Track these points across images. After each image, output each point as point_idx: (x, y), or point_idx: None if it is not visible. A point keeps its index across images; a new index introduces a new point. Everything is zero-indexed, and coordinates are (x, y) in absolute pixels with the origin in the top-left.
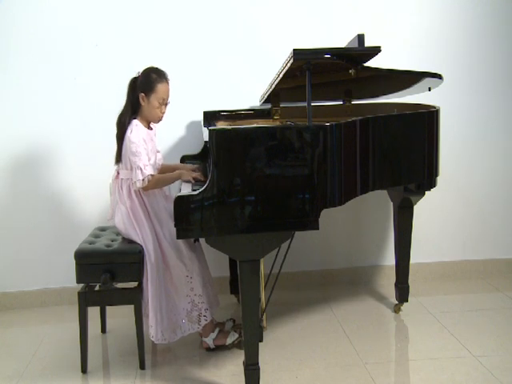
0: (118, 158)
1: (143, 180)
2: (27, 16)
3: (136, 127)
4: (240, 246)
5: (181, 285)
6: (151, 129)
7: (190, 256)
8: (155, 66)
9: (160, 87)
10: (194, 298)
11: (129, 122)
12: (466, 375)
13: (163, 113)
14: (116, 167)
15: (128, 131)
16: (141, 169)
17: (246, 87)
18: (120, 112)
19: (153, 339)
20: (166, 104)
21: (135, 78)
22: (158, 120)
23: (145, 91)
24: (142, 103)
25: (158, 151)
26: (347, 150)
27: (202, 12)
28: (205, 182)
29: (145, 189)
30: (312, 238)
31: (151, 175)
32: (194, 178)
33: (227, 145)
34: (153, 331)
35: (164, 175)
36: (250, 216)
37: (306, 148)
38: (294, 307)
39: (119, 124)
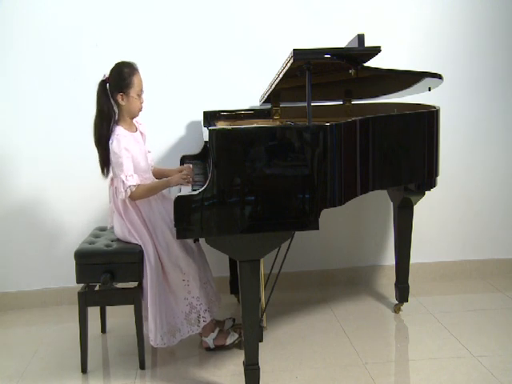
0: (102, 167)
1: (125, 191)
2: (27, 16)
3: (117, 137)
4: (240, 246)
5: (178, 288)
6: (136, 130)
7: (186, 259)
8: (121, 60)
9: (135, 79)
10: (191, 300)
11: (110, 130)
12: (466, 375)
13: (142, 102)
14: (111, 174)
15: (110, 141)
16: (123, 181)
17: (245, 87)
18: (94, 121)
19: (152, 343)
20: (142, 93)
21: (103, 81)
22: (139, 111)
23: (122, 89)
24: (122, 102)
25: (149, 151)
26: (347, 150)
27: (201, 12)
28: (198, 181)
29: (132, 198)
30: (312, 238)
31: (134, 186)
32: (183, 179)
33: (227, 145)
34: (152, 335)
35: (151, 184)
36: (250, 216)
37: (306, 148)
38: (294, 307)
39: (96, 131)
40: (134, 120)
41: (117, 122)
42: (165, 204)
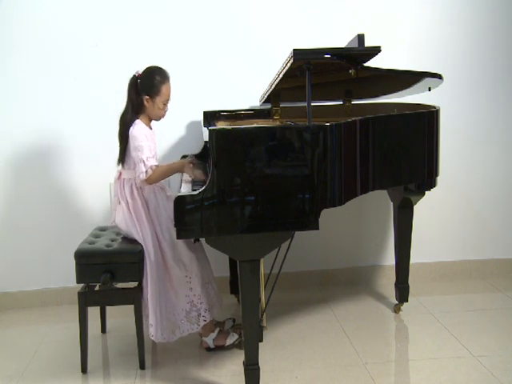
0: (122, 158)
1: (146, 171)
2: (27, 16)
3: (138, 125)
4: (240, 246)
5: (180, 285)
6: (151, 129)
7: (190, 256)
8: (156, 65)
9: (164, 89)
10: (192, 298)
11: (132, 122)
12: (466, 375)
13: (166, 111)
14: (118, 168)
15: (130, 129)
16: (143, 161)
17: (245, 87)
18: (122, 111)
19: (152, 338)
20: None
21: (135, 77)
22: (160, 118)
23: (149, 94)
24: (147, 105)
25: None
26: (347, 150)
27: (201, 12)
28: (205, 181)
29: (148, 181)
30: (312, 238)
31: (154, 166)
32: (195, 176)
33: (227, 145)
34: (153, 330)
35: (166, 166)
36: (250, 216)
37: (305, 148)
38: (294, 307)
39: (123, 123)
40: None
41: (137, 116)
42: (169, 202)
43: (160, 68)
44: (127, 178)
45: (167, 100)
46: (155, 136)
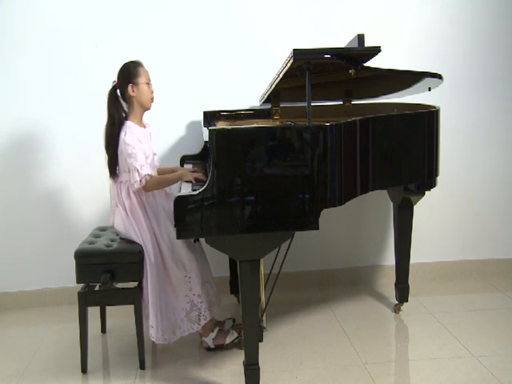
0: (112, 171)
1: (141, 181)
2: (27, 16)
3: (130, 129)
4: (240, 246)
5: (179, 285)
6: (145, 127)
7: (189, 256)
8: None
9: (141, 70)
10: (192, 298)
11: (121, 125)
12: (466, 375)
13: (152, 92)
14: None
15: (122, 134)
16: (137, 170)
17: (245, 87)
18: (106, 125)
19: (153, 339)
20: (151, 84)
21: (114, 87)
22: (151, 102)
23: (131, 81)
24: (133, 94)
25: (155, 153)
26: (347, 150)
27: (201, 12)
28: (205, 181)
29: (145, 189)
30: (312, 238)
31: (149, 175)
32: (195, 179)
33: (227, 145)
34: (153, 332)
35: (165, 176)
36: (250, 216)
37: (305, 148)
38: (294, 307)
39: (107, 136)
40: (143, 121)
41: (127, 118)
42: (169, 201)
43: (129, 60)
44: (124, 181)
45: (149, 79)
46: (151, 136)
